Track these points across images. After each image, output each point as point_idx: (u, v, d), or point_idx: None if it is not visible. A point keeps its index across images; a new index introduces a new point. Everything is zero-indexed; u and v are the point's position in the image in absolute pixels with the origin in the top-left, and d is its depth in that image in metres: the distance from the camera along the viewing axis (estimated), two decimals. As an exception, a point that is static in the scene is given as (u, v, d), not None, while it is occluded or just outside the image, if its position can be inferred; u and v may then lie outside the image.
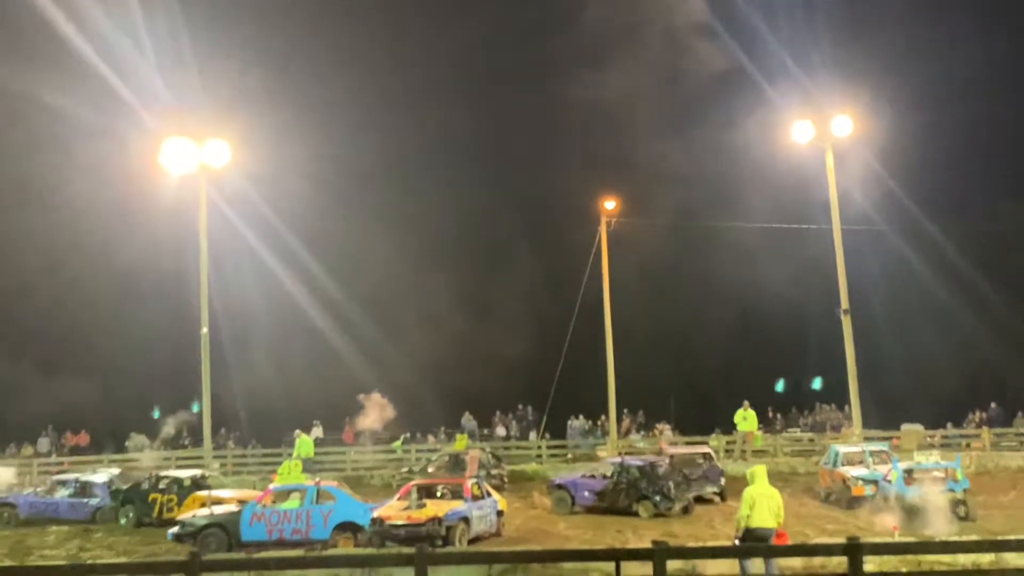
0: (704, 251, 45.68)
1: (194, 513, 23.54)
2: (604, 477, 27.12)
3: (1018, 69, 50.12)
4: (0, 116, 41.08)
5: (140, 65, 39.08)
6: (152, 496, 27.11)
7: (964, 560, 15.92)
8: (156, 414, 40.99)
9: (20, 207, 41.31)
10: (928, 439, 35.18)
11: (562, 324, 39.85)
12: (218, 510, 23.11)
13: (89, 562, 21.17)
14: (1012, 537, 17.42)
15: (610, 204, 40.68)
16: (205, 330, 36.32)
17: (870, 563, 13.24)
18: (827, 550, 14.84)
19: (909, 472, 24.64)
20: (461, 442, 35.36)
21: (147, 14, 39.98)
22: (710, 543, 19.67)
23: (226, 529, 22.09)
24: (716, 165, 44.66)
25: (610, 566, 14.51)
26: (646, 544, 14.69)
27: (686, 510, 26.00)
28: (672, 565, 12.84)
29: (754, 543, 16.00)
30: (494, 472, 30.56)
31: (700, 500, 27.29)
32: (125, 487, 28.07)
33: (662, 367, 44.93)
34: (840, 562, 12.74)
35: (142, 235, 39.12)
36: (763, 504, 16.12)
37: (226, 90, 41.14)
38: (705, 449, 30.55)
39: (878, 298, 42.70)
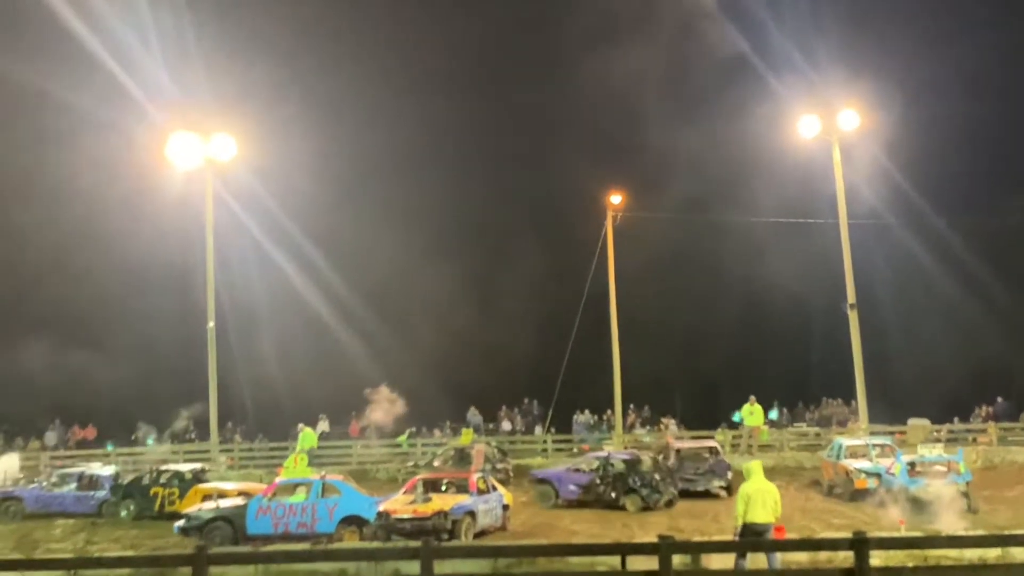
0: (710, 245, 45.65)
1: (200, 506, 23.60)
2: (588, 471, 27.21)
3: (1027, 63, 50.06)
4: (7, 110, 41.13)
5: (146, 59, 39.10)
6: (153, 490, 27.19)
7: (970, 555, 15.95)
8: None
9: (27, 201, 41.33)
10: (935, 433, 35.15)
11: (568, 318, 39.85)
12: (224, 504, 23.17)
13: (96, 555, 21.23)
14: (1018, 532, 17.42)
15: (616, 198, 40.69)
16: (212, 324, 36.38)
17: (876, 557, 13.21)
18: (833, 544, 14.85)
19: (912, 465, 24.72)
20: (466, 436, 35.41)
21: (153, 8, 40.01)
22: (716, 538, 19.64)
23: (232, 523, 22.14)
24: (722, 159, 44.62)
25: (616, 560, 14.56)
26: (652, 538, 14.68)
27: (669, 503, 26.22)
28: (676, 559, 12.81)
29: (754, 538, 16.03)
30: (499, 466, 30.59)
31: (707, 495, 27.29)
32: (126, 481, 28.18)
33: (668, 361, 44.91)
34: (846, 556, 12.74)
35: (149, 229, 39.20)
36: (759, 499, 16.17)
37: (232, 84, 41.16)
38: (711, 443, 30.55)
39: (885, 293, 42.64)
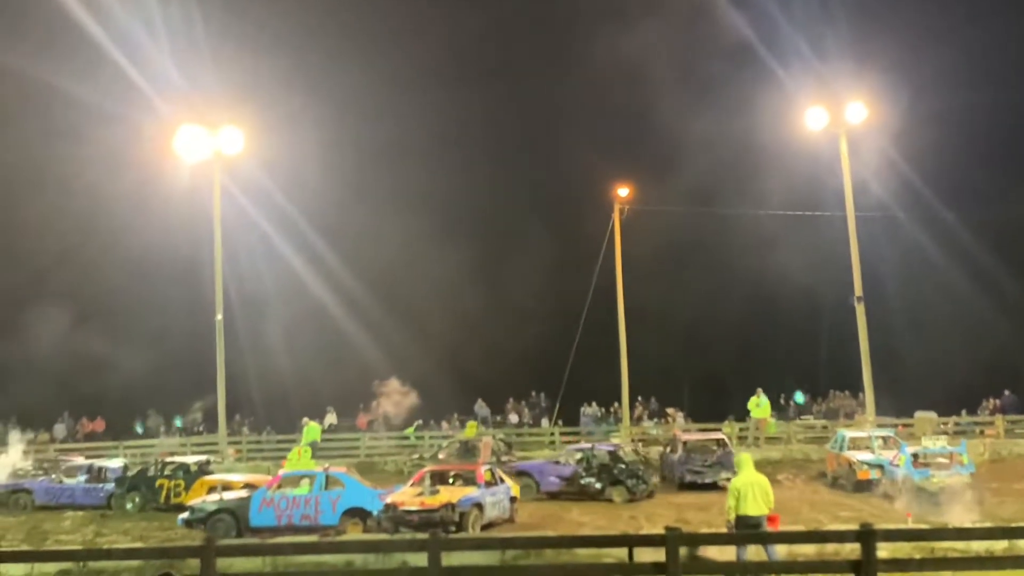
0: (717, 238, 45.64)
1: (204, 499, 23.66)
2: (568, 463, 27.27)
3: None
4: (15, 103, 41.26)
5: (154, 52, 39.14)
6: (159, 482, 27.29)
7: (977, 547, 15.91)
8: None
9: (35, 194, 41.44)
10: (942, 426, 35.13)
11: (575, 311, 39.89)
12: (228, 496, 23.23)
13: (106, 547, 21.32)
14: (1026, 524, 17.42)
15: (623, 191, 40.69)
16: (220, 317, 36.46)
17: (883, 550, 13.22)
18: (840, 536, 14.87)
19: (916, 457, 24.86)
20: (471, 429, 35.49)
21: (161, 1, 40.05)
22: (723, 530, 19.65)
23: (235, 515, 22.19)
24: (729, 151, 44.53)
25: (623, 552, 14.54)
26: (659, 530, 14.70)
27: (651, 494, 26.58)
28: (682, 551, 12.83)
29: (748, 530, 16.10)
30: (504, 459, 30.64)
31: (714, 487, 27.33)
32: (131, 474, 28.28)
33: (675, 354, 44.93)
34: (853, 548, 12.74)
35: (156, 222, 39.23)
36: (750, 492, 16.24)
37: (240, 77, 41.19)
38: (719, 435, 30.57)
39: (892, 285, 42.59)
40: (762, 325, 46.41)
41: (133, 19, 39.06)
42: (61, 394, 40.22)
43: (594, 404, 41.80)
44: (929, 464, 24.65)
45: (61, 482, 28.62)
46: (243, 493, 23.23)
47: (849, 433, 29.09)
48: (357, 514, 21.95)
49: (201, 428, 41.12)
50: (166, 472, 27.65)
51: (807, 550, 16.17)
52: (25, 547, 21.53)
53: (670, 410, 41.74)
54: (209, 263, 37.23)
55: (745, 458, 17.04)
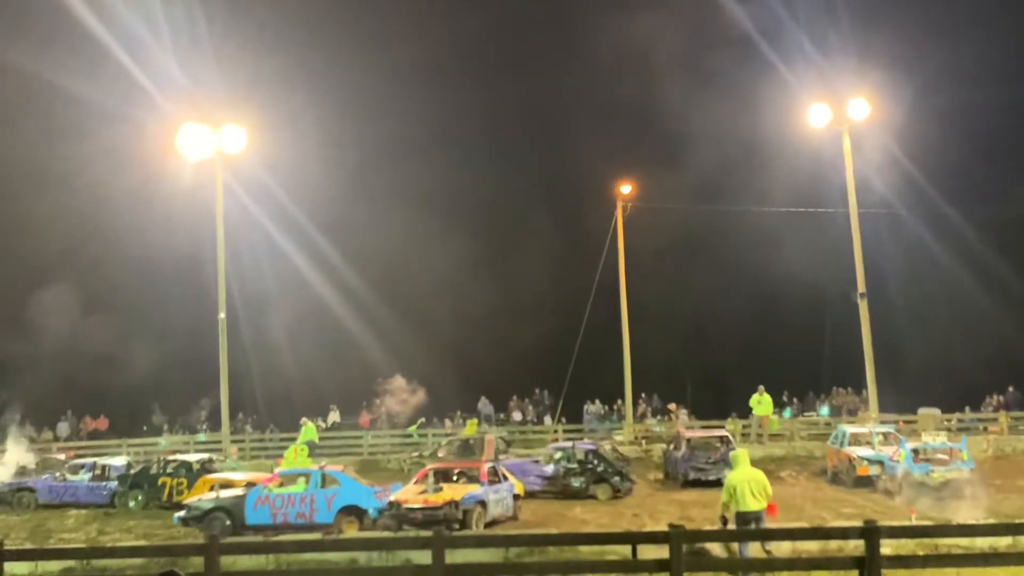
0: (720, 235, 45.54)
1: (200, 497, 23.74)
2: (548, 463, 27.28)
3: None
4: (18, 100, 41.24)
5: (157, 50, 39.09)
6: (162, 480, 27.32)
7: (981, 544, 15.95)
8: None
9: (38, 192, 41.41)
10: (945, 423, 35.11)
11: (579, 308, 39.85)
12: (224, 494, 23.28)
13: (109, 545, 21.36)
14: (1030, 521, 17.41)
15: (626, 188, 40.68)
16: (223, 315, 36.46)
17: (887, 546, 13.22)
18: (843, 533, 14.86)
19: (916, 452, 25.07)
20: (471, 427, 35.52)
21: (164, -1, 40.05)
22: (730, 527, 19.65)
23: (231, 513, 22.25)
24: (732, 148, 44.43)
25: (627, 549, 14.58)
26: (662, 528, 14.71)
27: (629, 491, 26.76)
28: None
29: (747, 526, 16.16)
30: (501, 457, 30.67)
31: (718, 484, 27.29)
32: (132, 472, 28.31)
33: (678, 351, 44.89)
34: (857, 545, 12.74)
35: (159, 220, 39.21)
36: (746, 488, 16.35)
37: (242, 75, 41.15)
38: (723, 432, 30.57)
39: (895, 282, 42.55)
40: (765, 322, 46.35)
41: (136, 17, 39.05)
42: (64, 392, 40.22)
43: (597, 401, 41.80)
44: (929, 460, 24.85)
45: (65, 480, 28.65)
46: (239, 491, 23.25)
47: (849, 429, 29.23)
48: (352, 512, 21.99)
49: (205, 426, 41.15)
50: (168, 470, 27.69)
51: (811, 547, 16.18)
52: (29, 545, 21.56)
53: (672, 406, 41.75)
54: (212, 261, 37.23)
55: (741, 454, 17.16)
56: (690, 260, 46.64)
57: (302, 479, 22.74)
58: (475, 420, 37.61)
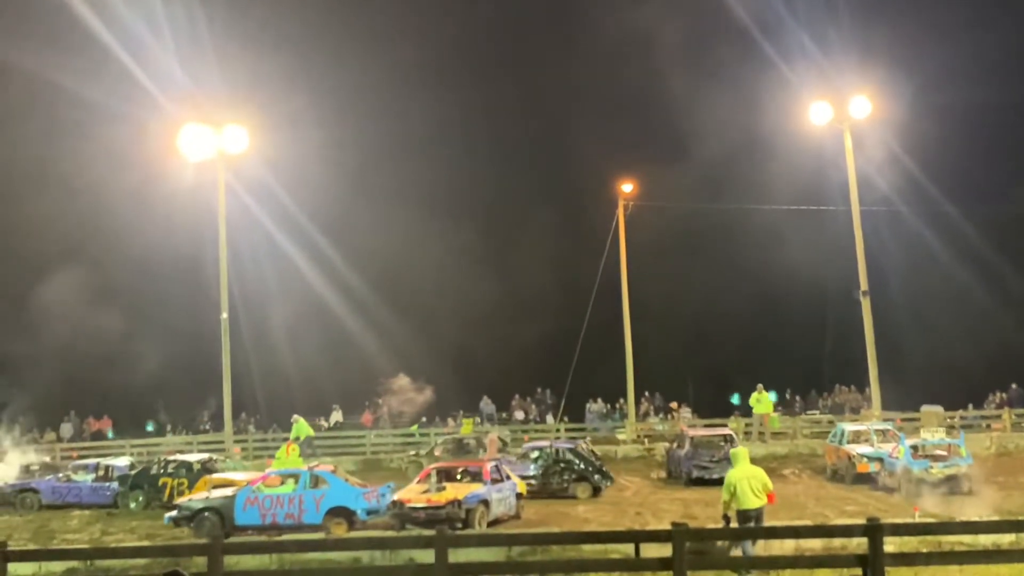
0: (722, 233, 45.60)
1: (190, 497, 23.76)
2: (526, 462, 27.25)
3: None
4: (20, 101, 41.28)
5: (158, 51, 39.13)
6: (162, 480, 27.32)
7: (985, 541, 15.94)
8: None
9: (40, 192, 41.45)
10: (948, 420, 35.09)
11: (580, 307, 39.79)
12: (214, 494, 23.33)
13: (112, 546, 21.37)
14: (1033, 518, 17.41)
15: (627, 187, 40.66)
16: (225, 315, 36.47)
17: (890, 544, 13.23)
18: (847, 531, 14.86)
19: (915, 449, 25.22)
20: (467, 426, 35.48)
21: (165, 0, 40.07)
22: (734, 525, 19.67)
23: (220, 513, 22.25)
24: (733, 146, 44.49)
25: (629, 547, 14.58)
26: (665, 526, 14.71)
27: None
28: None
29: (748, 523, 16.19)
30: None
31: (722, 483, 27.24)
32: (132, 472, 28.31)
33: (681, 350, 44.91)
34: (860, 543, 12.75)
35: (161, 221, 39.24)
36: (746, 486, 16.42)
37: (244, 76, 41.19)
38: (726, 431, 30.53)
39: (897, 280, 42.55)
40: (767, 320, 46.39)
41: (137, 18, 39.10)
42: (67, 393, 40.26)
43: (599, 400, 41.84)
44: (928, 456, 25.06)
45: (68, 481, 28.65)
46: (229, 492, 23.28)
47: (848, 426, 29.42)
48: (341, 513, 21.96)
49: (208, 426, 41.19)
50: (169, 470, 27.69)
51: (814, 544, 16.18)
52: (32, 546, 21.57)
53: (673, 404, 41.77)
54: (213, 262, 37.26)
55: (741, 452, 17.25)
56: (692, 258, 46.72)
57: (291, 480, 22.75)
58: (471, 419, 37.56)
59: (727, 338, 46.84)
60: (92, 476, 28.65)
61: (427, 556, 13.03)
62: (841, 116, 36.68)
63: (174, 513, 22.79)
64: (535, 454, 27.35)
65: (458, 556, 14.07)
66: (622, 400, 41.36)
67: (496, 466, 23.59)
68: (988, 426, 36.00)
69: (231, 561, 13.96)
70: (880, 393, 36.16)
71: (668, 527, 13.02)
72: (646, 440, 36.34)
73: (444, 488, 22.11)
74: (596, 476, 26.63)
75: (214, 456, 30.11)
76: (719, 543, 16.34)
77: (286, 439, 36.71)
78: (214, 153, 36.13)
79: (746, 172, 44.29)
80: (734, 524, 16.44)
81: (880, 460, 25.94)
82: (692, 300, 45.95)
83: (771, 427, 35.94)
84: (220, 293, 36.67)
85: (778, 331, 45.47)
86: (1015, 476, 27.15)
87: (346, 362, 40.44)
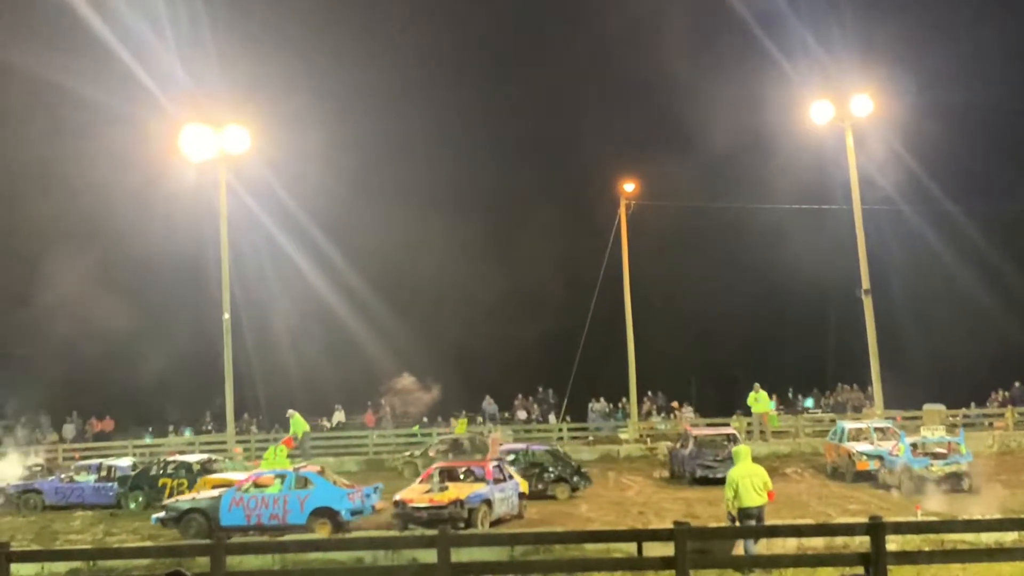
0: (724, 232, 45.60)
1: (177, 498, 23.84)
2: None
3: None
4: (21, 101, 41.30)
5: (160, 51, 39.15)
6: (162, 481, 27.34)
7: (987, 539, 15.93)
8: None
9: (41, 192, 41.51)
10: (950, 419, 35.08)
11: (582, 307, 39.87)
12: (201, 495, 23.40)
13: (115, 546, 21.39)
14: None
15: (629, 186, 40.66)
16: (227, 315, 36.47)
17: (892, 542, 13.23)
18: (849, 529, 14.86)
19: (915, 446, 25.35)
20: (461, 426, 35.45)
21: (167, 0, 40.09)
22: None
23: (207, 514, 22.31)
24: (735, 144, 44.44)
25: (632, 547, 14.55)
26: (668, 525, 14.70)
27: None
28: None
29: (749, 521, 16.22)
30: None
31: (725, 482, 27.28)
32: (133, 472, 28.31)
33: (683, 349, 44.91)
34: (862, 541, 12.75)
35: (162, 221, 39.27)
36: (747, 484, 16.45)
37: (245, 76, 41.24)
38: (730, 430, 30.51)
39: (899, 278, 42.55)
40: (769, 319, 46.38)
41: (139, 19, 39.12)
42: (69, 394, 40.30)
43: (602, 400, 41.84)
44: (928, 453, 25.20)
45: (71, 481, 28.67)
46: (215, 492, 23.35)
47: (848, 424, 29.57)
48: (325, 514, 22.00)
49: (210, 427, 41.22)
50: (169, 471, 27.70)
51: (816, 543, 16.20)
52: (35, 547, 21.59)
53: (674, 404, 41.77)
54: (215, 262, 37.24)
55: (743, 450, 17.28)
56: (694, 257, 46.75)
57: (276, 480, 22.79)
58: (465, 419, 37.49)
59: (729, 337, 46.87)
60: (95, 477, 28.66)
61: (430, 556, 13.03)
62: (843, 114, 36.66)
63: (161, 514, 22.91)
64: (512, 457, 27.27)
65: (461, 556, 14.07)
66: (625, 399, 41.35)
67: (498, 466, 23.61)
68: (990, 424, 36.02)
69: (234, 561, 13.97)
70: (882, 392, 36.13)
71: (671, 526, 13.01)
72: (648, 439, 36.33)
73: (447, 488, 22.12)
74: (575, 478, 26.70)
75: (213, 457, 30.13)
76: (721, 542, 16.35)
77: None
78: (216, 153, 36.11)
79: (748, 170, 44.33)
80: (737, 523, 16.46)
81: (880, 458, 26.11)
82: (694, 299, 45.98)
83: (771, 425, 35.92)
84: (222, 293, 36.66)
85: (780, 330, 45.49)
86: (1017, 474, 27.16)
87: (348, 362, 40.48)
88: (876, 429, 28.48)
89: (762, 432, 35.50)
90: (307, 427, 34.95)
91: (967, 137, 44.19)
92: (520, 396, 43.10)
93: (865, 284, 36.58)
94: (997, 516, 19.19)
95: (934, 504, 21.80)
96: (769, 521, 16.70)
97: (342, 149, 43.98)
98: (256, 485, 22.76)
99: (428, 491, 22.08)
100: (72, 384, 39.02)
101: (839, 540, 16.06)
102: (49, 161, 42.36)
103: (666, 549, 12.51)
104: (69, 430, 41.14)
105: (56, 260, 39.34)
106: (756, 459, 17.73)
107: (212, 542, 13.09)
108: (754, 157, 43.89)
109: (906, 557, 13.23)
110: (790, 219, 40.93)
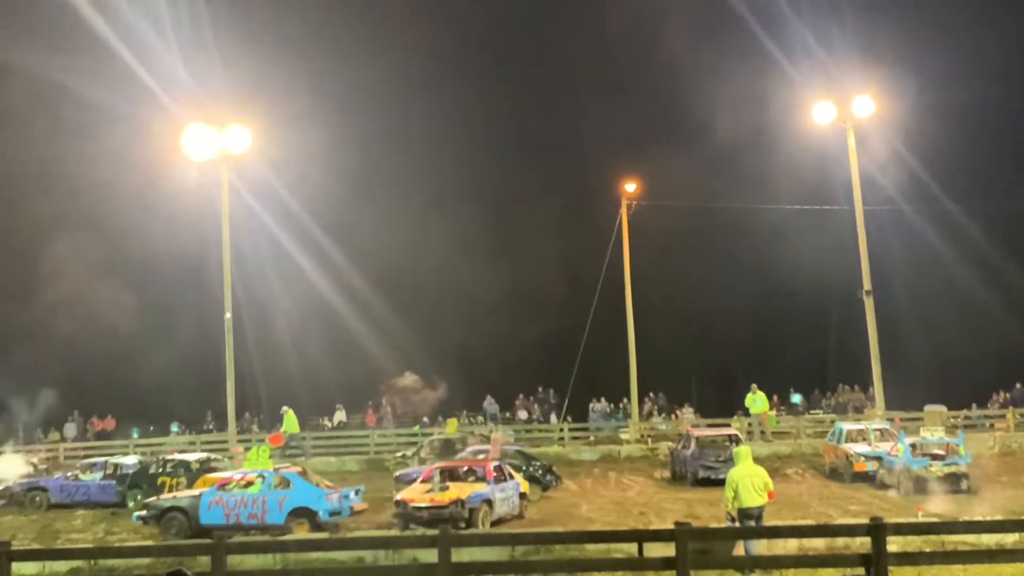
0: (725, 232, 45.57)
1: (158, 497, 23.90)
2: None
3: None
4: (23, 101, 41.29)
5: (162, 51, 39.15)
6: (161, 479, 27.34)
7: (988, 540, 15.93)
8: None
9: (43, 192, 41.50)
10: (951, 420, 35.07)
11: (583, 306, 39.88)
12: (181, 494, 23.46)
13: (116, 545, 21.40)
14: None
15: (630, 187, 40.67)
16: (228, 315, 36.48)
17: (893, 543, 13.24)
18: (850, 530, 14.87)
19: (914, 447, 25.40)
20: (451, 426, 35.42)
21: (169, 0, 40.11)
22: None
23: (187, 513, 22.37)
24: (737, 146, 44.47)
25: (633, 547, 14.57)
26: (669, 526, 14.71)
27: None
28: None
29: (749, 522, 16.25)
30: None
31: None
32: (132, 471, 28.32)
33: (684, 349, 44.93)
34: (863, 542, 12.75)
35: (164, 221, 39.29)
36: (747, 484, 16.52)
37: (247, 76, 41.24)
38: (732, 431, 30.49)
39: (901, 279, 42.54)
40: (770, 319, 46.39)
41: (141, 19, 39.12)
42: (71, 393, 40.30)
43: (603, 400, 41.85)
44: (927, 454, 25.26)
45: (76, 480, 28.68)
46: (195, 492, 23.41)
47: (846, 425, 29.63)
48: (303, 514, 22.06)
49: (212, 426, 41.24)
50: (168, 469, 27.71)
51: (817, 544, 16.20)
52: (36, 546, 21.60)
53: (676, 410, 41.80)
54: (217, 261, 37.24)
55: (744, 451, 17.37)
56: (695, 258, 46.73)
57: (256, 480, 22.84)
58: (455, 419, 37.44)
59: (730, 337, 46.88)
60: (100, 475, 28.65)
61: (430, 556, 13.04)
62: (845, 115, 36.67)
63: (143, 512, 22.97)
64: (480, 457, 27.18)
65: (461, 556, 14.09)
66: (625, 400, 41.37)
67: (499, 466, 23.62)
68: (992, 426, 36.00)
69: (235, 561, 13.99)
70: (883, 393, 36.13)
71: (672, 527, 13.02)
72: (649, 440, 36.33)
73: (447, 487, 22.12)
74: (547, 477, 26.86)
75: (212, 456, 30.13)
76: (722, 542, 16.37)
77: (290, 438, 36.84)
78: (217, 153, 36.11)
79: (749, 171, 44.30)
80: (737, 524, 16.48)
81: (878, 459, 26.20)
82: (696, 299, 45.99)
83: (770, 426, 35.92)
84: (224, 293, 36.67)
85: (781, 330, 45.49)
86: (1018, 476, 27.17)
87: (350, 362, 40.48)
88: (874, 430, 28.54)
89: (762, 433, 35.49)
90: (297, 428, 35.00)
91: (969, 137, 44.23)
92: (521, 396, 43.14)
93: (866, 285, 36.58)
94: (998, 517, 19.21)
95: (934, 505, 21.82)
96: (770, 522, 16.72)
97: (343, 149, 44.03)
98: (236, 484, 22.86)
99: (429, 491, 22.09)
100: (73, 383, 39.00)
101: (840, 541, 16.06)
102: (51, 161, 42.38)
103: (667, 550, 12.53)
104: (70, 429, 41.17)
105: (58, 259, 39.37)
106: (757, 460, 17.75)
107: (213, 541, 13.11)
108: (755, 157, 43.89)
109: (907, 558, 13.24)
110: (791, 219, 40.96)
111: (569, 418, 40.28)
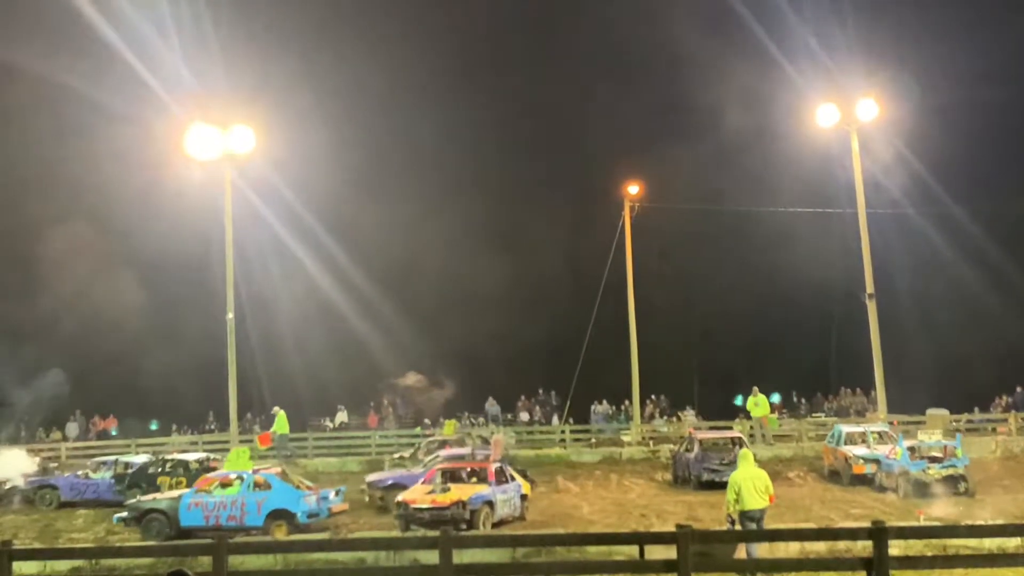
0: (728, 235, 45.55)
1: (139, 498, 23.95)
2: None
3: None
4: (26, 102, 41.31)
5: (165, 52, 39.16)
6: (160, 479, 27.36)
7: (989, 544, 15.92)
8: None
9: (47, 193, 41.52)
10: (954, 423, 35.05)
11: (586, 309, 39.86)
12: (162, 495, 23.51)
13: (117, 544, 21.41)
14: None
15: (633, 189, 40.66)
16: (231, 315, 36.47)
17: (895, 547, 13.21)
18: (852, 534, 14.86)
19: (912, 450, 25.57)
20: (449, 428, 35.39)
21: (172, 0, 40.13)
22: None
23: (167, 515, 22.42)
24: (740, 148, 44.46)
25: (634, 549, 14.57)
26: (670, 528, 14.71)
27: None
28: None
29: (751, 525, 16.34)
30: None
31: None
32: (130, 471, 28.33)
33: (686, 352, 44.90)
34: (865, 546, 12.73)
35: (168, 221, 39.25)
36: (749, 487, 16.64)
37: (250, 76, 41.25)
38: (735, 433, 30.45)
39: (904, 282, 42.49)
40: (772, 322, 46.34)
41: (144, 19, 39.13)
42: (72, 393, 40.30)
43: (605, 402, 41.83)
44: (925, 457, 25.41)
45: (87, 478, 28.71)
46: (176, 493, 23.46)
47: (845, 428, 29.70)
48: (282, 516, 22.14)
49: (213, 427, 41.22)
50: (167, 469, 27.72)
51: (819, 547, 16.19)
52: (37, 545, 21.63)
53: (679, 412, 41.81)
54: (220, 262, 37.20)
55: (746, 453, 17.46)
56: (698, 260, 46.71)
57: (235, 482, 22.86)
58: (453, 421, 37.37)
59: (733, 340, 46.83)
60: (111, 473, 28.67)
61: (432, 557, 13.04)
62: (848, 118, 36.61)
63: (124, 513, 23.03)
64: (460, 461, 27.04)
65: (463, 557, 14.10)
66: (627, 402, 41.36)
67: (501, 467, 23.62)
68: (994, 430, 35.93)
69: (236, 561, 13.99)
70: (886, 396, 36.09)
71: (673, 529, 13.02)
72: (651, 442, 36.29)
73: (449, 489, 22.14)
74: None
75: (212, 456, 30.15)
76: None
77: (290, 440, 36.85)
78: (221, 153, 36.08)
79: (753, 174, 44.26)
80: (738, 526, 16.50)
81: (876, 461, 26.37)
82: (698, 302, 46.00)
83: (771, 428, 35.88)
84: (226, 293, 36.66)
85: (784, 333, 45.43)
86: (1020, 480, 27.17)
87: (352, 362, 40.48)
88: (873, 433, 28.62)
89: (763, 435, 35.46)
90: (287, 430, 35.04)
91: (972, 140, 44.11)
92: (523, 398, 43.12)
93: (869, 288, 36.52)
94: (1000, 521, 19.20)
95: (934, 508, 21.89)
96: (771, 525, 16.75)
97: (347, 148, 44.04)
98: (215, 486, 22.88)
99: (430, 492, 22.10)
100: (75, 383, 38.98)
101: (841, 544, 16.03)
102: (53, 161, 42.40)
103: (668, 552, 12.53)
104: (72, 428, 41.18)
105: (60, 260, 39.40)
106: (758, 463, 17.78)
107: (214, 541, 13.11)
108: (759, 160, 43.88)
109: (908, 562, 13.24)
110: (795, 222, 40.91)
111: (571, 420, 40.25)
